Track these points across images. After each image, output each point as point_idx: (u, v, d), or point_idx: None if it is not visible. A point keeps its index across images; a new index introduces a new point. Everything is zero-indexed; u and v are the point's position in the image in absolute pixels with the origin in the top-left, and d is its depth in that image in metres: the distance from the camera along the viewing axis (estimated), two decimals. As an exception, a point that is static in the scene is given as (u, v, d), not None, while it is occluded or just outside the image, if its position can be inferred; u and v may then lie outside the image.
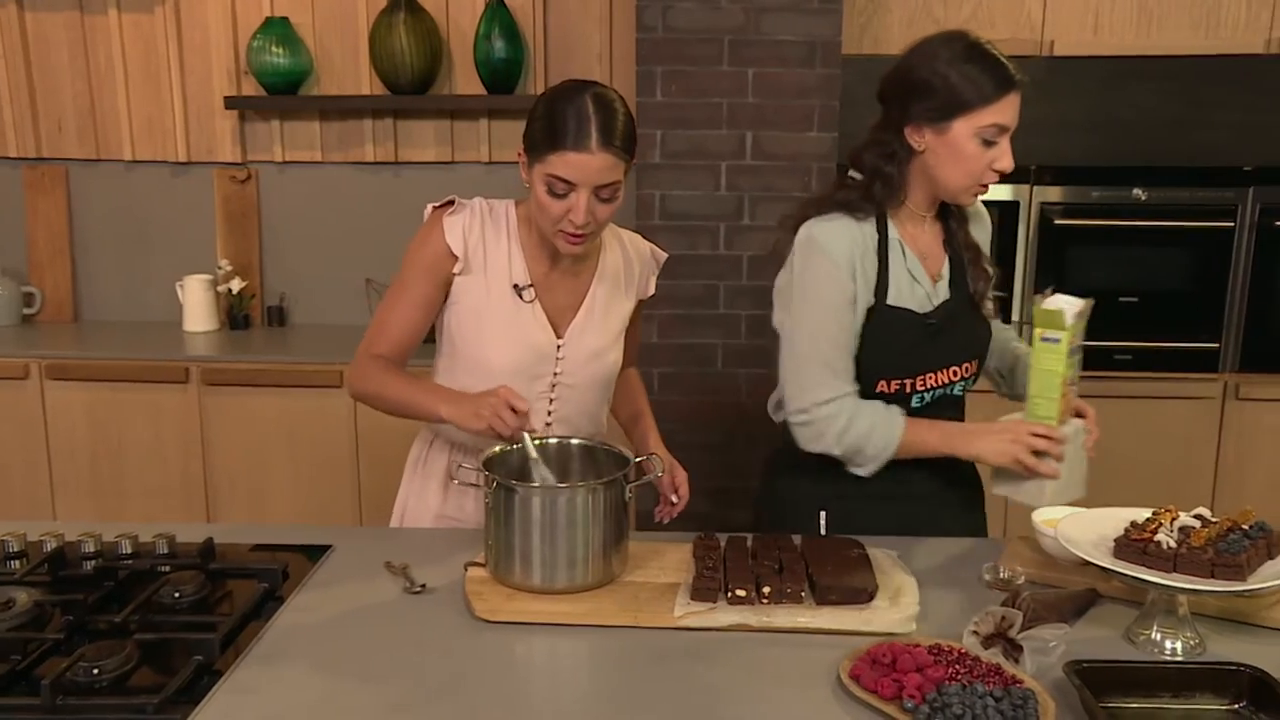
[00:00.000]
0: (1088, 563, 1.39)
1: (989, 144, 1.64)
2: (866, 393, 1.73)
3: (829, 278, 1.68)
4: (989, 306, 1.82)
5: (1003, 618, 1.34)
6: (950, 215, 1.79)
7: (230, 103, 3.41)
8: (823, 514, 1.78)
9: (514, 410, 1.56)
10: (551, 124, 1.58)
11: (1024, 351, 1.87)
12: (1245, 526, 1.38)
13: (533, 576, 1.49)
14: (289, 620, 1.45)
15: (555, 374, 1.76)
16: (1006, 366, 1.92)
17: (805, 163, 2.93)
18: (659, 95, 2.91)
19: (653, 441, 1.90)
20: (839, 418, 1.68)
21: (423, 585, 1.54)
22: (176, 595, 1.47)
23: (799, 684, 1.29)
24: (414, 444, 1.90)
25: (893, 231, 1.73)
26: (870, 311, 1.71)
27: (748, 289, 3.01)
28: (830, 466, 1.77)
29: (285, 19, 3.35)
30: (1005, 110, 1.63)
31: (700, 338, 3.04)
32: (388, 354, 1.74)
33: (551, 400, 1.77)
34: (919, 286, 1.74)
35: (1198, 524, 1.39)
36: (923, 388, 1.74)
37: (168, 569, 1.55)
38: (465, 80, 3.44)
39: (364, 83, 3.45)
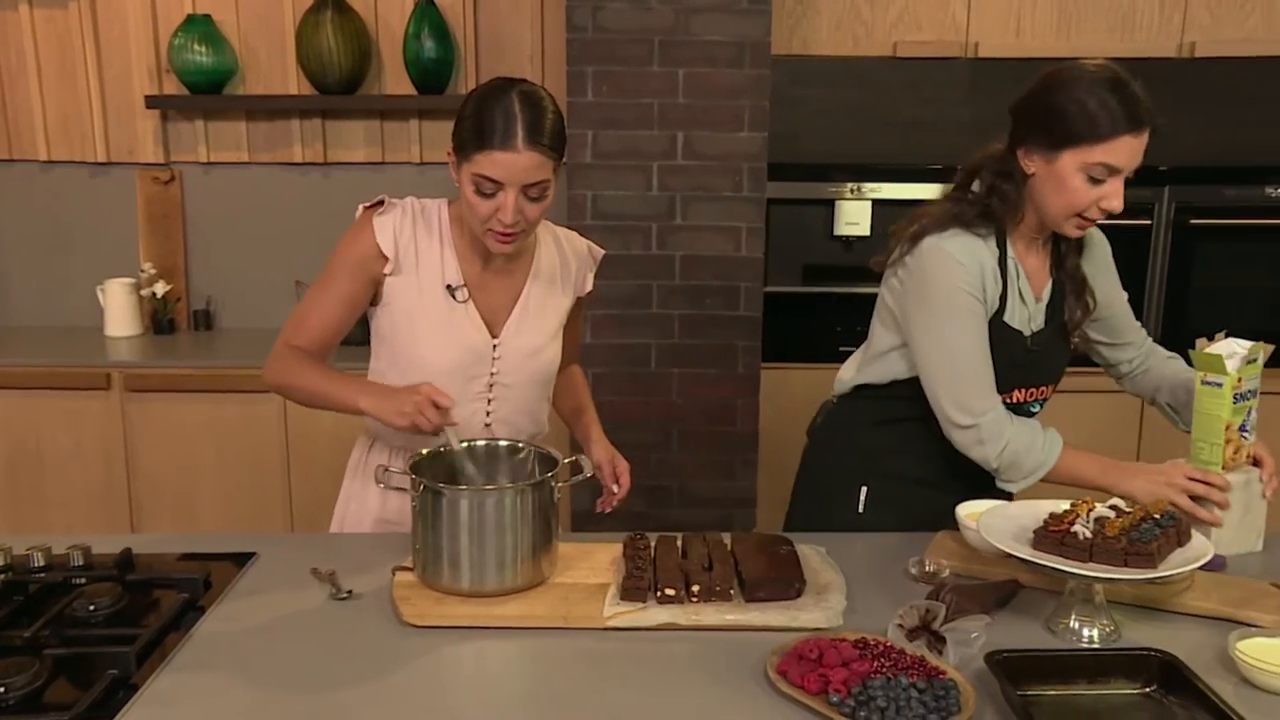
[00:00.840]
0: (1009, 554, 1.41)
1: (1096, 181, 1.61)
2: None
3: (971, 290, 1.68)
4: (1082, 335, 1.85)
5: (926, 610, 1.36)
6: (1063, 240, 1.77)
7: (151, 102, 3.32)
8: (864, 489, 1.85)
9: (437, 406, 1.55)
10: (478, 123, 1.57)
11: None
12: (1157, 516, 1.42)
13: (461, 580, 1.48)
14: (210, 630, 1.42)
15: (492, 374, 1.75)
16: (1180, 401, 1.87)
17: (736, 162, 2.95)
18: (590, 95, 2.90)
19: (595, 435, 1.90)
20: (1002, 428, 1.68)
21: (349, 591, 1.52)
22: (91, 608, 1.43)
23: (728, 682, 1.29)
24: (354, 448, 1.88)
25: (1010, 250, 1.74)
26: (990, 324, 1.72)
27: (680, 288, 3.02)
28: (872, 445, 1.84)
29: (208, 16, 3.28)
30: (1118, 151, 1.59)
31: (633, 338, 3.04)
32: (307, 348, 1.71)
33: (489, 400, 1.76)
34: (1025, 308, 1.76)
35: (1112, 514, 1.43)
36: (1005, 403, 1.75)
37: (83, 581, 1.51)
38: (395, 80, 3.40)
39: (291, 82, 3.39)
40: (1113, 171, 1.61)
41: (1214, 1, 3.11)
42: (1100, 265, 1.85)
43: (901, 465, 1.84)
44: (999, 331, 1.72)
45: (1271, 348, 1.68)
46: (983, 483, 1.74)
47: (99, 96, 3.39)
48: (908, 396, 1.78)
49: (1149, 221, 3.16)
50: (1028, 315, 1.76)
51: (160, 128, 3.43)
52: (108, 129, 3.42)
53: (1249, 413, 1.67)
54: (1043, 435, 1.71)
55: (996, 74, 3.16)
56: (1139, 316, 3.14)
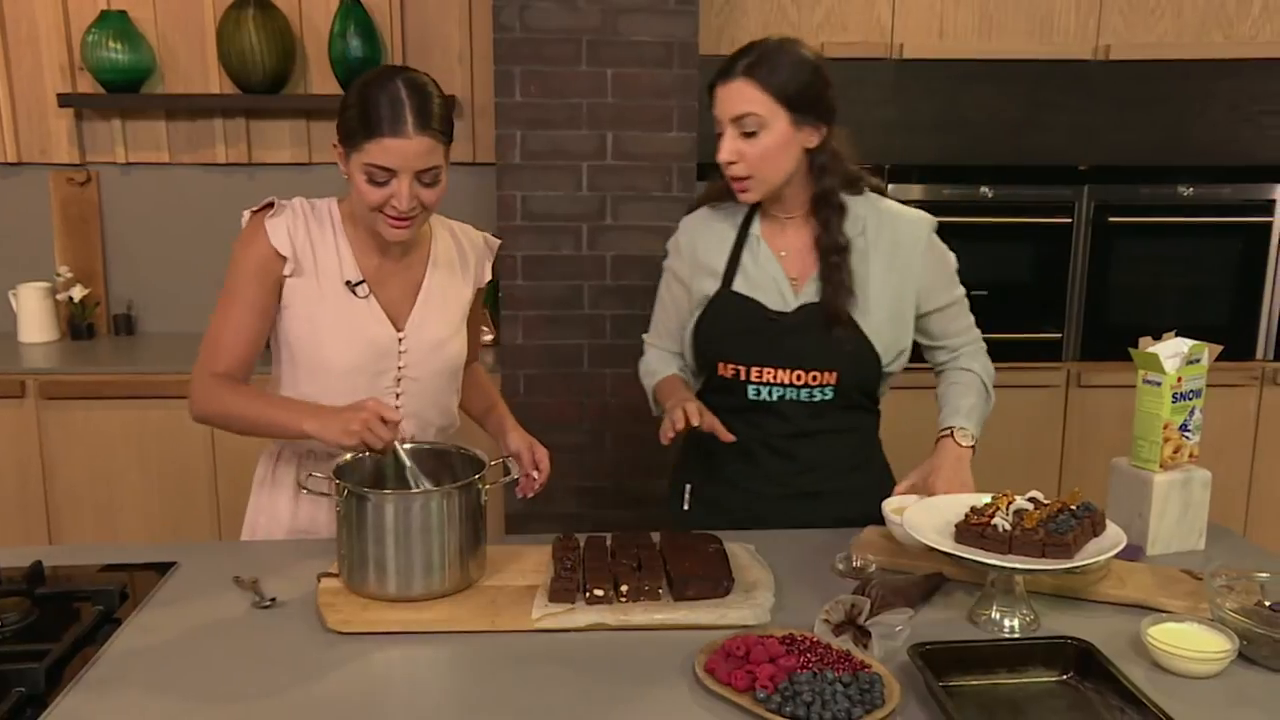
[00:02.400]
0: (932, 548, 1.43)
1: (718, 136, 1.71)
2: (709, 373, 1.83)
3: (670, 257, 1.90)
4: (877, 327, 1.75)
5: (852, 605, 1.37)
6: (821, 229, 1.75)
7: (65, 100, 3.22)
8: (687, 487, 1.90)
9: (385, 420, 1.53)
10: (365, 112, 1.56)
11: (953, 395, 1.83)
12: (1073, 507, 1.45)
13: (388, 585, 1.46)
14: (127, 643, 1.38)
15: (399, 368, 1.73)
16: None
17: (666, 162, 2.96)
18: (518, 95, 2.89)
19: (509, 424, 1.89)
20: (646, 355, 1.96)
21: (273, 599, 1.49)
22: (-3, 624, 1.38)
23: (656, 681, 1.29)
24: (260, 461, 1.83)
25: (756, 227, 1.79)
26: (716, 296, 1.78)
27: (612, 289, 3.01)
28: (690, 441, 1.85)
29: (123, 13, 3.20)
30: (718, 100, 1.70)
31: (565, 338, 3.03)
32: (229, 370, 1.67)
33: (398, 395, 1.74)
34: (774, 282, 1.77)
35: (1031, 507, 1.45)
36: (759, 380, 1.77)
37: (-11, 596, 1.46)
38: (321, 79, 3.35)
39: (212, 81, 3.32)
40: (718, 122, 1.70)
41: (1126, 6, 3.20)
42: (902, 264, 1.78)
43: (711, 464, 1.87)
44: (727, 301, 1.78)
45: (1219, 348, 1.69)
46: (787, 481, 1.78)
47: (7, 94, 3.28)
48: (703, 390, 1.86)
49: (1069, 220, 3.24)
50: (778, 290, 1.77)
51: (75, 127, 3.33)
52: (17, 128, 3.31)
53: (1191, 413, 1.68)
54: (660, 368, 1.90)
55: (922, 75, 3.22)
56: (1062, 311, 3.27)
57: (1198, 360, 1.68)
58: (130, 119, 3.34)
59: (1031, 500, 1.48)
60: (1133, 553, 1.62)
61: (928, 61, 3.20)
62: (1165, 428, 1.66)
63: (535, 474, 1.81)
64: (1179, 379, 1.65)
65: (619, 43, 2.88)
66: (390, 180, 1.58)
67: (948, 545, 1.41)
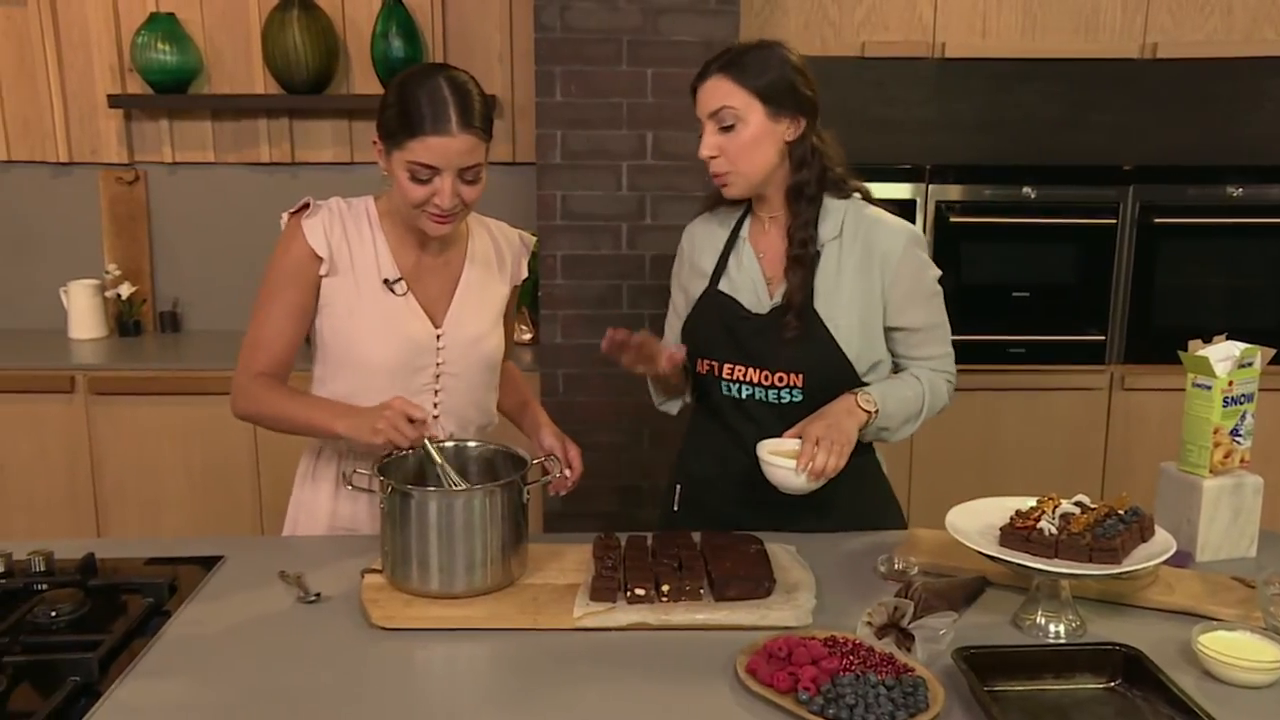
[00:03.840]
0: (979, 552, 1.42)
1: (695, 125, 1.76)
2: (692, 368, 1.85)
3: (675, 265, 1.93)
4: (848, 328, 1.73)
5: (895, 608, 1.37)
6: (793, 228, 1.74)
7: (114, 101, 3.29)
8: (677, 487, 1.92)
9: (411, 419, 1.54)
10: (407, 109, 1.57)
11: (885, 383, 1.79)
12: (1121, 512, 1.43)
13: (430, 582, 1.47)
14: (176, 635, 1.41)
15: (438, 364, 1.75)
16: None
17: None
18: (558, 95, 2.90)
19: (543, 420, 1.90)
20: None
21: (317, 594, 1.51)
22: (53, 614, 1.41)
23: (697, 681, 1.29)
24: (302, 456, 1.86)
25: (744, 229, 1.81)
26: (703, 295, 1.82)
27: (651, 288, 3.01)
28: (683, 442, 1.90)
29: (171, 15, 3.25)
30: (696, 101, 1.73)
31: (604, 338, 3.03)
32: (267, 370, 1.70)
33: (437, 392, 1.76)
34: (754, 283, 1.78)
35: (1077, 511, 1.44)
36: (729, 377, 1.79)
37: (44, 587, 1.49)
38: (363, 79, 3.38)
39: (257, 82, 3.37)
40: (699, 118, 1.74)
41: (1174, 3, 3.15)
42: (871, 270, 1.74)
43: (696, 465, 1.89)
44: (711, 300, 1.82)
45: (1272, 351, 1.66)
46: (763, 488, 1.73)
47: (60, 96, 3.35)
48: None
49: (1114, 220, 3.19)
50: (754, 290, 1.78)
51: (124, 127, 3.39)
52: (69, 129, 3.38)
53: (1243, 417, 1.65)
54: None
55: (964, 74, 3.19)
56: (1106, 313, 3.22)
57: (1250, 364, 1.65)
58: (177, 119, 3.40)
59: (1078, 504, 1.46)
60: (1182, 559, 1.59)
61: (970, 60, 3.17)
62: (1215, 432, 1.63)
63: (568, 472, 1.82)
64: (1230, 383, 1.63)
65: (659, 42, 2.87)
66: (433, 178, 1.59)
67: (992, 549, 1.40)
